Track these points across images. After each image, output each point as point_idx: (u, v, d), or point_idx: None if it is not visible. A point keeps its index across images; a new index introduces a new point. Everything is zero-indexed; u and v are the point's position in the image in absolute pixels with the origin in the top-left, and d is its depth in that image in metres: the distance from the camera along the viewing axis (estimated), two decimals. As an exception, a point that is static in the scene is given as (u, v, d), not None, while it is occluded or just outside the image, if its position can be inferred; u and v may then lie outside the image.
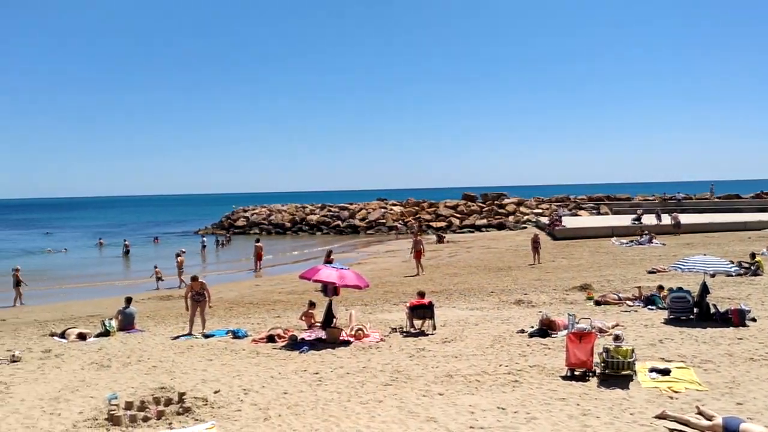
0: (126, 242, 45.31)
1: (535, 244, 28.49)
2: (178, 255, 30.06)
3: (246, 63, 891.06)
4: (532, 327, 12.99)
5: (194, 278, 15.52)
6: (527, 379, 9.38)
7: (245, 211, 70.73)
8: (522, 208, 60.20)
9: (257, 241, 36.12)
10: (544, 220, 49.68)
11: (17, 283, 25.19)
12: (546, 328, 12.63)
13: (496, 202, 62.35)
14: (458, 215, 58.79)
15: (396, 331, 13.77)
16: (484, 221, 56.30)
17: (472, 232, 53.58)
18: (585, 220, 49.34)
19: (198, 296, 15.04)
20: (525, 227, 52.91)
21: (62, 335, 14.80)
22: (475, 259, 31.76)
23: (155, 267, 29.48)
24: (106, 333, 14.92)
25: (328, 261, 25.78)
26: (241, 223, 65.70)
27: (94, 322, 16.85)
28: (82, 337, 14.48)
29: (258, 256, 34.02)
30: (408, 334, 13.39)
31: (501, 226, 54.56)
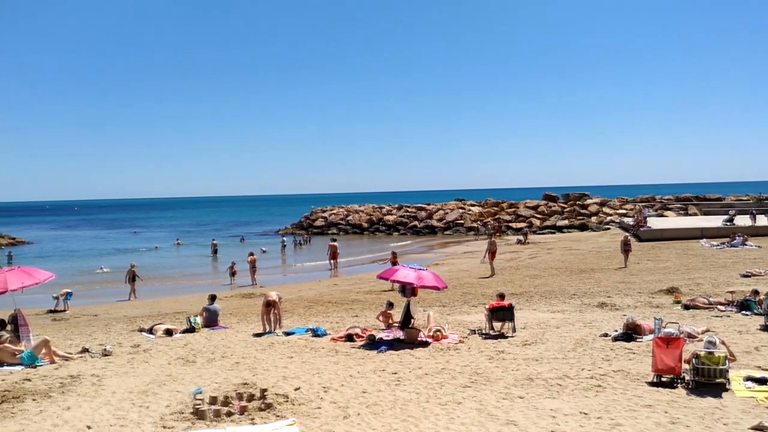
0: (214, 241, 46.64)
1: (626, 246, 27.65)
2: (250, 254, 31.15)
3: (334, 63, 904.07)
4: (616, 331, 12.60)
5: (269, 303, 15.26)
6: (611, 384, 9.09)
7: (323, 211, 71.87)
8: (605, 209, 58.69)
9: (332, 240, 36.63)
10: (629, 220, 48.22)
11: (133, 278, 26.67)
12: (631, 332, 12.22)
13: (578, 202, 61.00)
14: (539, 216, 57.86)
15: (475, 333, 13.64)
16: (566, 222, 55.22)
17: (553, 233, 52.64)
18: (672, 221, 47.60)
19: (270, 302, 15.21)
20: (608, 228, 51.54)
21: (150, 331, 15.35)
22: (556, 261, 31.14)
23: (233, 263, 30.61)
24: (191, 329, 15.40)
25: (394, 262, 26.48)
26: (319, 223, 66.78)
27: (180, 319, 17.43)
28: (169, 333, 14.99)
29: (333, 255, 34.50)
30: (487, 336, 13.24)
31: (583, 227, 53.40)
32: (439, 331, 13.16)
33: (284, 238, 51.07)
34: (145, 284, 28.41)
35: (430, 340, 12.84)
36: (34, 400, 8.97)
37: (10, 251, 48.21)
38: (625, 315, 13.57)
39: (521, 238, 45.66)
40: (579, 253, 34.23)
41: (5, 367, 11.55)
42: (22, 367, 11.51)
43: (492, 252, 27.25)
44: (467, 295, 20.98)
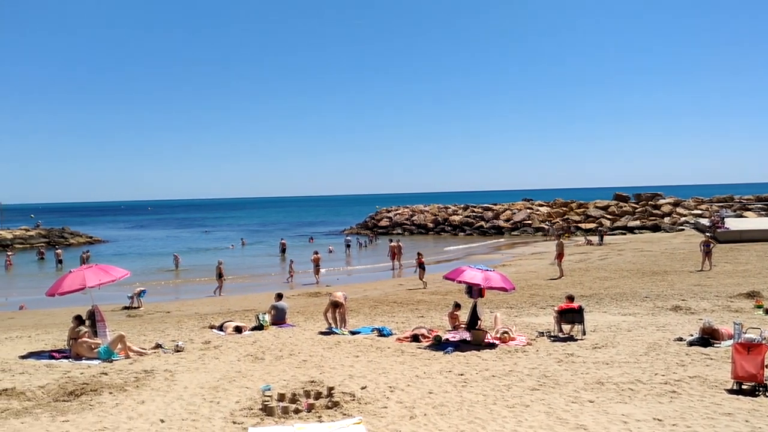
0: (282, 241, 47.36)
1: (706, 247, 26.60)
2: (314, 253, 31.66)
3: (397, 68, 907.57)
4: (692, 335, 12.14)
5: (336, 304, 15.45)
6: (686, 390, 8.75)
7: (388, 211, 72.04)
8: (679, 209, 56.80)
9: (391, 241, 36.70)
10: (704, 221, 46.45)
11: (220, 275, 27.53)
12: (708, 337, 11.75)
13: (650, 202, 59.20)
14: (609, 216, 56.46)
15: (543, 335, 13.40)
16: (637, 222, 53.71)
17: (624, 234, 51.26)
18: (752, 222, 45.57)
19: (337, 303, 15.35)
20: (682, 229, 49.88)
21: (220, 328, 15.68)
22: (627, 263, 30.28)
23: (291, 261, 31.15)
24: (260, 327, 15.65)
25: (421, 263, 27.75)
26: (384, 223, 66.97)
27: (250, 316, 17.74)
28: (238, 330, 15.27)
29: (393, 255, 34.55)
30: (556, 339, 12.98)
31: (656, 228, 51.81)
32: (506, 332, 12.98)
33: (348, 238, 51.35)
34: (215, 282, 29.03)
35: (497, 342, 12.68)
36: (110, 393, 9.29)
37: (87, 249, 50.22)
38: (701, 319, 13.07)
39: (591, 239, 44.61)
40: (651, 255, 33.19)
41: (83, 361, 12.02)
42: (99, 361, 11.96)
43: (560, 253, 26.75)
44: (535, 297, 20.63)
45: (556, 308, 13.91)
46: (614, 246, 40.23)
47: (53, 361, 12.17)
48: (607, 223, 54.67)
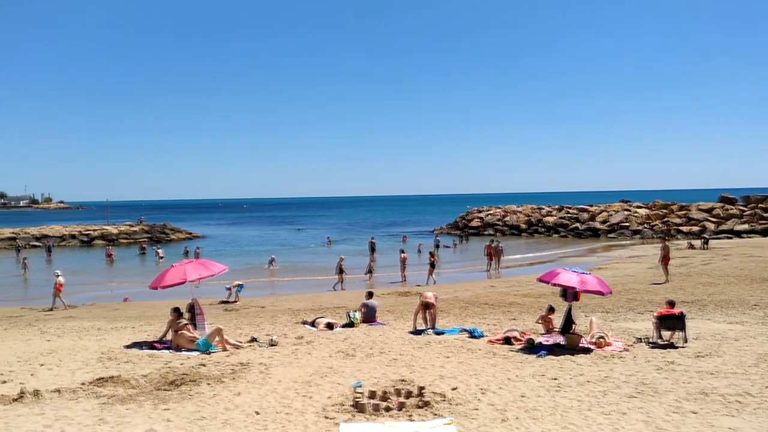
0: (372, 240, 47.79)
1: None
2: (401, 251, 31.77)
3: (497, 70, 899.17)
4: (807, 347, 11.37)
5: (427, 305, 15.33)
6: (802, 405, 8.18)
7: (479, 211, 71.31)
8: (794, 212, 53.33)
9: (491, 242, 36.27)
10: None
11: (341, 271, 28.31)
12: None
13: (760, 205, 55.83)
14: (713, 219, 53.72)
15: (641, 342, 12.87)
16: (746, 226, 50.85)
17: (730, 238, 48.67)
18: None
19: (428, 304, 15.29)
20: (796, 234, 46.84)
21: (312, 324, 15.97)
22: (733, 268, 28.68)
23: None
24: (350, 324, 15.83)
25: (432, 262, 29.52)
26: (475, 223, 66.35)
27: (340, 313, 17.98)
28: (329, 326, 15.50)
29: (490, 256, 34.12)
30: (655, 346, 12.45)
31: (766, 233, 48.85)
32: (602, 337, 12.56)
33: (438, 238, 51.11)
34: (309, 278, 29.68)
35: (592, 347, 12.29)
36: (208, 384, 9.61)
37: (186, 246, 52.36)
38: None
39: (694, 242, 42.63)
40: (761, 261, 31.30)
41: (183, 352, 12.51)
42: (198, 352, 12.41)
43: (665, 256, 25.68)
44: (633, 302, 19.87)
45: (655, 314, 13.35)
46: (719, 250, 38.24)
47: (155, 351, 12.73)
48: (711, 226, 52.06)
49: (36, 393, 8.86)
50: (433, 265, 29.73)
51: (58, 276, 24.15)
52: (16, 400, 8.63)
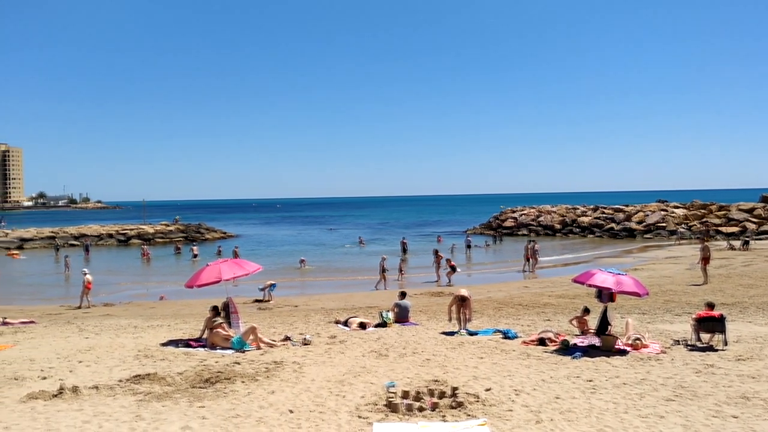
0: (404, 240, 47.66)
1: None
2: (436, 251, 31.67)
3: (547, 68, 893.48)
4: None
5: (462, 298, 15.30)
6: None
7: (513, 211, 70.77)
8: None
9: (529, 242, 35.98)
10: None
11: (383, 270, 28.46)
12: None
13: (806, 205, 54.47)
14: (755, 219, 52.55)
15: (679, 344, 12.64)
16: (789, 226, 49.60)
17: (773, 238, 47.51)
18: None
19: (463, 297, 15.27)
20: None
21: (345, 323, 16.00)
22: (775, 270, 28.05)
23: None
24: (383, 324, 15.83)
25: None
26: (509, 223, 65.85)
27: (373, 313, 17.98)
28: (362, 326, 15.52)
29: (527, 256, 33.83)
30: (693, 348, 12.21)
31: (809, 233, 47.64)
32: (638, 339, 12.36)
33: (470, 238, 50.73)
34: (340, 278, 29.77)
35: (628, 349, 12.10)
36: (243, 382, 9.70)
37: (219, 245, 52.93)
38: None
39: (734, 243, 41.72)
40: (803, 262, 30.57)
41: (218, 350, 12.64)
42: (233, 351, 12.53)
43: (705, 258, 25.17)
44: (670, 303, 19.52)
45: (693, 316, 13.09)
46: (761, 251, 37.42)
47: (190, 349, 12.88)
48: (753, 226, 50.92)
49: (75, 389, 9.04)
50: (454, 269, 29.65)
51: (85, 275, 24.58)
52: (55, 395, 8.81)
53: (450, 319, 15.26)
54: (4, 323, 17.79)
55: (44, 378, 10.19)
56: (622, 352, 11.91)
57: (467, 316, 15.19)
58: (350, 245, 57.03)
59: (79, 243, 58.22)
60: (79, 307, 23.50)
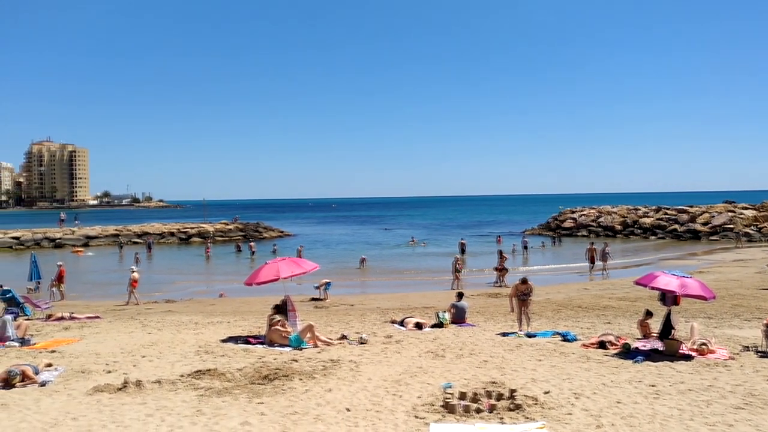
0: (462, 241, 47.31)
1: None
2: (500, 252, 31.43)
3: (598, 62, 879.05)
4: None
5: (524, 281, 15.57)
6: None
7: (572, 212, 69.52)
8: None
9: (591, 243, 35.34)
10: None
11: (456, 270, 28.79)
12: None
13: None
14: (831, 221, 50.31)
15: (749, 350, 12.15)
16: None
17: None
18: None
19: (524, 296, 15.20)
20: None
21: (401, 323, 15.98)
22: None
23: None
24: (440, 324, 15.74)
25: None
26: (568, 224, 64.74)
27: (429, 313, 17.90)
28: (418, 326, 15.46)
29: (591, 258, 33.20)
30: (764, 355, 11.72)
31: None
32: (704, 344, 11.94)
33: (526, 239, 49.97)
34: (397, 278, 29.74)
35: (693, 354, 11.71)
36: (300, 379, 9.78)
37: (275, 244, 53.70)
38: None
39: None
40: None
41: (276, 348, 12.79)
42: (290, 348, 12.65)
43: None
44: (738, 308, 18.82)
45: (764, 321, 12.58)
46: (834, 255, 35.81)
47: (249, 345, 13.08)
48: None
49: (138, 383, 9.28)
50: (504, 269, 29.39)
51: (133, 272, 25.16)
52: (120, 389, 9.07)
53: (512, 310, 15.24)
54: (72, 318, 18.41)
55: (109, 372, 10.50)
56: (687, 357, 11.54)
57: (528, 311, 15.14)
58: (410, 245, 56.98)
59: (141, 241, 59.89)
60: (126, 304, 23.96)
